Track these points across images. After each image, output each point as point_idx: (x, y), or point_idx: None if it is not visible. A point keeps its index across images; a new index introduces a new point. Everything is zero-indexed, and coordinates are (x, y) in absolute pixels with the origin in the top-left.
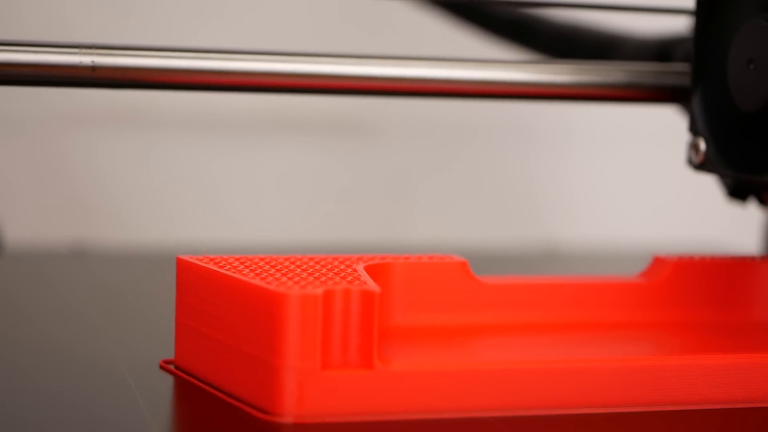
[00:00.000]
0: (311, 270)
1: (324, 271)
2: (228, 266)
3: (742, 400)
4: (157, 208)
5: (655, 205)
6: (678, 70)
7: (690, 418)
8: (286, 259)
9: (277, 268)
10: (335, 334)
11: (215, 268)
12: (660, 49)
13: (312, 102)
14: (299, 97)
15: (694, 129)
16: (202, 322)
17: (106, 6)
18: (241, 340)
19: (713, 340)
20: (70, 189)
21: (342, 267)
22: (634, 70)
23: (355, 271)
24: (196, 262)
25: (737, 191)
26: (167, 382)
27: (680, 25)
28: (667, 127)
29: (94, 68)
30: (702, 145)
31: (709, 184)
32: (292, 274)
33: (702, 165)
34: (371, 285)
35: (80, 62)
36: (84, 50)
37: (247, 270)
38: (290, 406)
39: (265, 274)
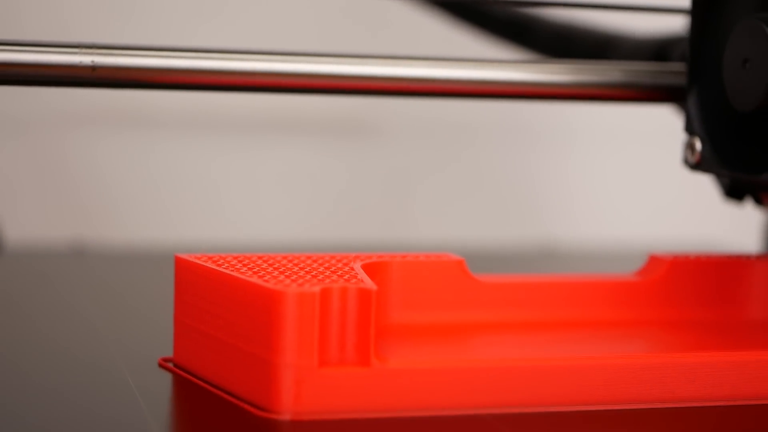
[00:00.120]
0: (309, 268)
1: (321, 269)
2: (226, 265)
3: (740, 397)
4: (157, 207)
5: (655, 204)
6: (674, 70)
7: (687, 415)
8: (284, 258)
9: (275, 266)
10: (332, 332)
11: (213, 266)
12: (657, 49)
13: (312, 102)
14: (299, 97)
15: (690, 129)
16: (201, 320)
17: (106, 6)
18: (239, 337)
19: (709, 337)
20: (69, 188)
21: (339, 265)
22: (630, 70)
23: (352, 269)
24: (194, 260)
25: (733, 191)
26: (166, 379)
27: (677, 25)
28: (665, 127)
29: (94, 68)
30: (698, 145)
31: (709, 184)
32: (289, 272)
33: (698, 165)
34: (368, 283)
35: (80, 62)
36: (84, 50)
37: (245, 268)
38: (288, 403)
39: (263, 272)
